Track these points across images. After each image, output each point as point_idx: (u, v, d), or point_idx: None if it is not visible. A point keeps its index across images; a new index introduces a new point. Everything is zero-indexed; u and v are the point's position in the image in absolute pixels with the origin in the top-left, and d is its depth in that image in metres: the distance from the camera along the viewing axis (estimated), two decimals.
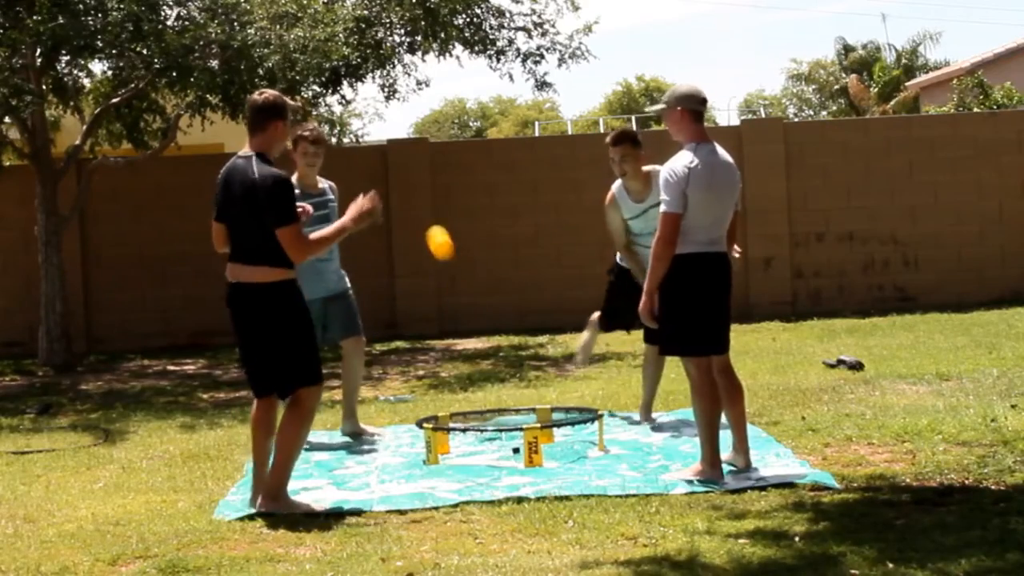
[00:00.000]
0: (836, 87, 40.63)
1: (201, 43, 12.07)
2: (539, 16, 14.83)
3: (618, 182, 8.11)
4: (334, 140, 16.40)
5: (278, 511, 6.02)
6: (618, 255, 8.34)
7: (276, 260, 6.04)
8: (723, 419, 6.56)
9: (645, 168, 8.04)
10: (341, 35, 12.77)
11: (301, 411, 6.19)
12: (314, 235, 6.32)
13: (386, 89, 15.08)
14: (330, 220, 7.91)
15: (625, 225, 8.14)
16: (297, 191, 7.70)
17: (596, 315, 8.63)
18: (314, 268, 7.51)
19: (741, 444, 6.60)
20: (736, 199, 6.59)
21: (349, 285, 8.19)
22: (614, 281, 8.38)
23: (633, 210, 8.06)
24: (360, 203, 6.22)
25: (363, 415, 8.86)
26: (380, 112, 34.92)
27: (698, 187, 6.31)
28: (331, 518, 5.92)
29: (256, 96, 6.26)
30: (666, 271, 6.40)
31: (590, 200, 15.35)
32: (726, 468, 6.49)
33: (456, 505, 6.04)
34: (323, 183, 8.13)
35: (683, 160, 6.36)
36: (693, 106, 6.44)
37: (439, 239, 7.00)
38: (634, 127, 33.72)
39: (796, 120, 34.92)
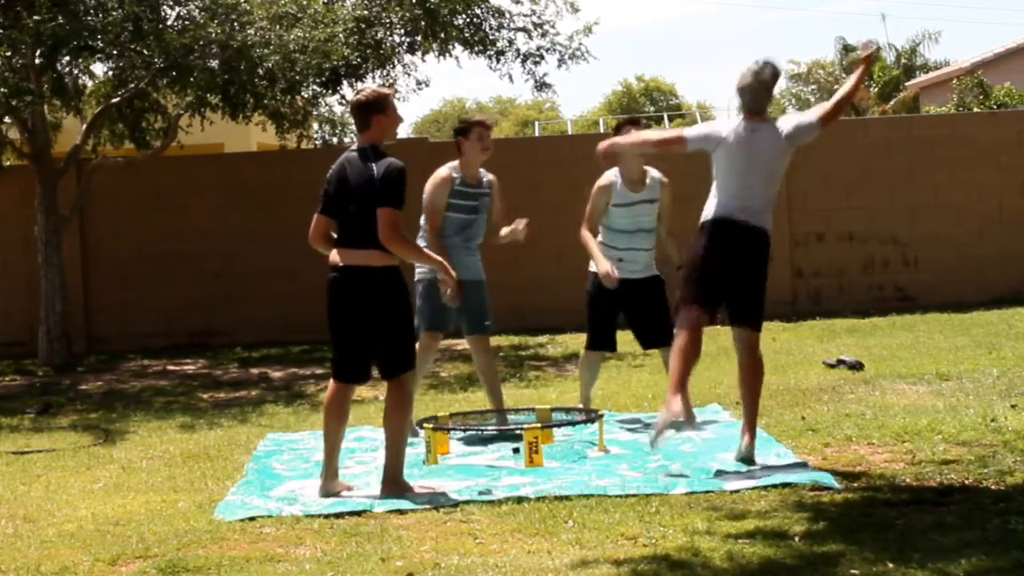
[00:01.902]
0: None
1: (201, 43, 12.06)
2: (539, 17, 14.83)
3: (614, 170, 8.18)
4: (335, 140, 16.40)
5: (396, 495, 6.23)
6: (591, 264, 8.25)
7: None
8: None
9: (645, 167, 8.16)
10: (341, 35, 12.76)
11: (402, 395, 6.46)
12: (418, 245, 6.72)
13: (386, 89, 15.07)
14: (479, 213, 8.15)
15: (605, 214, 8.20)
16: (458, 178, 7.98)
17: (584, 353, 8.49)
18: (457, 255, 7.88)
19: (749, 426, 6.67)
20: (770, 171, 6.68)
21: (483, 278, 8.26)
22: (594, 292, 8.20)
23: (624, 197, 8.13)
24: (452, 283, 6.84)
25: (363, 415, 8.86)
26: None
27: (724, 148, 6.61)
28: (331, 518, 5.92)
29: (354, 97, 6.64)
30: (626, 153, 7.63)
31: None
32: (730, 466, 6.52)
33: (456, 505, 6.04)
34: (485, 175, 8.19)
35: (727, 122, 6.82)
36: (740, 100, 6.78)
37: None
38: None
39: None
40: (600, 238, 8.24)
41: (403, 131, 63.78)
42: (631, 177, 8.13)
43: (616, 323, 8.28)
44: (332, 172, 6.52)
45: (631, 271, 8.11)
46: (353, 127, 8.23)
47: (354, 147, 6.54)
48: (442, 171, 8.09)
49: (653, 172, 8.21)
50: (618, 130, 8.11)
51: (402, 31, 14.46)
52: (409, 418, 6.67)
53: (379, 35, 14.13)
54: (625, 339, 12.42)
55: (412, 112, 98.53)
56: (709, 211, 6.66)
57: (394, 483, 6.35)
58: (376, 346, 6.40)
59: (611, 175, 8.20)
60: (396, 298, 6.37)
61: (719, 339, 12.76)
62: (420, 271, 8.03)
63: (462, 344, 13.95)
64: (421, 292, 8.03)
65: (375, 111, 6.46)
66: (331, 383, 6.57)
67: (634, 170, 8.12)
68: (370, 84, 6.95)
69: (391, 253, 6.30)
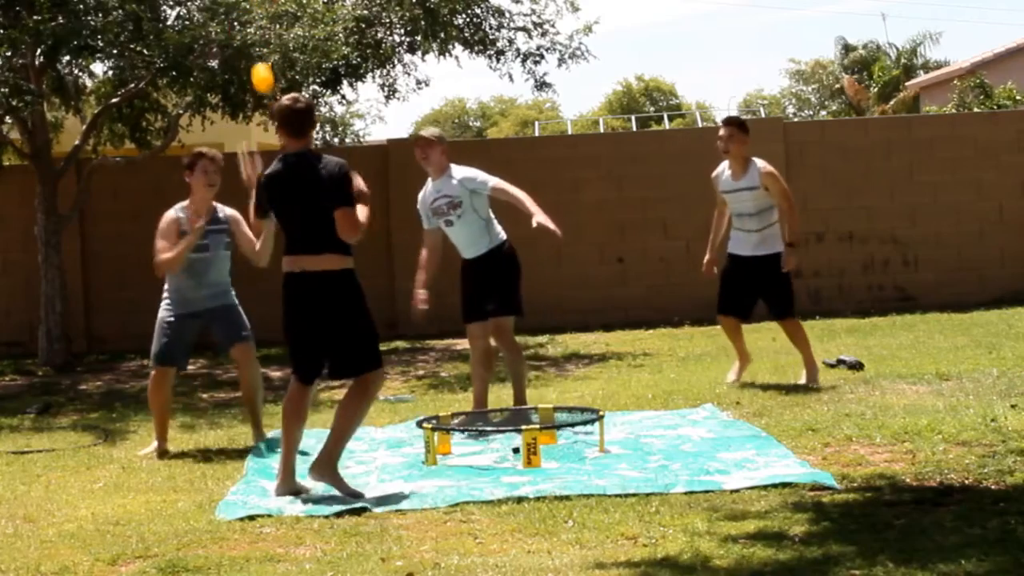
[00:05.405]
0: (836, 87, 40.63)
1: (201, 43, 12.07)
2: (539, 16, 14.84)
3: (724, 162, 9.23)
4: (336, 140, 16.40)
5: (324, 481, 6.28)
6: (730, 244, 9.35)
7: (342, 248, 6.36)
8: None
9: (749, 156, 9.16)
10: (341, 35, 12.76)
11: (368, 391, 6.47)
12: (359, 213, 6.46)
13: (386, 89, 15.09)
14: (210, 251, 8.10)
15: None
16: (183, 219, 8.08)
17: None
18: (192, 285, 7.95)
19: None
20: None
21: (231, 302, 8.23)
22: (729, 267, 9.36)
23: (726, 185, 9.19)
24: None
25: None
26: (382, 113, 34.97)
27: None
28: (331, 518, 5.92)
29: (294, 103, 6.47)
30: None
31: (590, 200, 15.39)
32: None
33: (456, 505, 6.04)
34: (222, 211, 8.28)
35: None
36: None
37: (262, 74, 7.27)
38: (634, 127, 33.81)
39: (796, 120, 34.90)
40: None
41: (403, 131, 63.63)
42: (732, 167, 9.16)
43: (741, 293, 9.36)
44: (272, 176, 6.48)
45: (738, 248, 9.26)
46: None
47: (291, 151, 6.47)
48: (170, 213, 8.15)
49: (756, 162, 9.11)
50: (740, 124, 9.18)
51: (402, 31, 14.46)
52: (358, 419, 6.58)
53: (379, 35, 14.13)
54: (625, 339, 12.48)
55: (412, 112, 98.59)
56: None
57: (325, 467, 6.35)
58: (337, 347, 6.41)
59: (722, 165, 9.24)
60: (356, 299, 6.41)
61: (718, 339, 12.76)
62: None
63: (462, 344, 13.96)
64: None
65: (312, 121, 6.54)
66: (291, 384, 6.59)
67: (735, 160, 9.10)
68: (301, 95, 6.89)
69: (347, 255, 6.36)
